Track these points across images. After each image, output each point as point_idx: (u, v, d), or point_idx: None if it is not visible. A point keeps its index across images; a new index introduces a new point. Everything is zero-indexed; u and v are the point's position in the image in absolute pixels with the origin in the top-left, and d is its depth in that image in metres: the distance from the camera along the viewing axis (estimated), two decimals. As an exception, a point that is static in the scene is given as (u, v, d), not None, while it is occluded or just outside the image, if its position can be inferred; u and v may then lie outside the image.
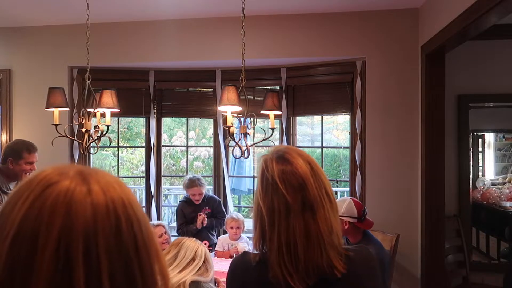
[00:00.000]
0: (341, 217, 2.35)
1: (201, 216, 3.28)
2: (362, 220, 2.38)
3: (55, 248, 0.47)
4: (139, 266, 0.52)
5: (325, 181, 1.02)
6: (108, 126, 2.57)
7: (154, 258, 0.55)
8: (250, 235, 4.21)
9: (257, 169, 1.09)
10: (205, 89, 3.92)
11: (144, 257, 0.53)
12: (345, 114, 3.68)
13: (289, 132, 3.69)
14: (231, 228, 3.22)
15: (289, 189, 0.98)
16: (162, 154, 4.03)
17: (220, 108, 2.38)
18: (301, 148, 4.36)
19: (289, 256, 0.96)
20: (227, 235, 3.29)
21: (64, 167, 0.55)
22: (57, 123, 2.54)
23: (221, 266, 2.74)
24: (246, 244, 3.16)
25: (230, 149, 3.52)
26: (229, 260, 2.93)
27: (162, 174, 3.96)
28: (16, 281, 0.47)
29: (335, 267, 0.97)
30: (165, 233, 3.03)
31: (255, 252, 1.07)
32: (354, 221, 2.35)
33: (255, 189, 4.36)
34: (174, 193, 7.24)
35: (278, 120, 3.65)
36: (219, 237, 3.38)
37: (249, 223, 4.61)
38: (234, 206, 5.21)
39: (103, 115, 2.61)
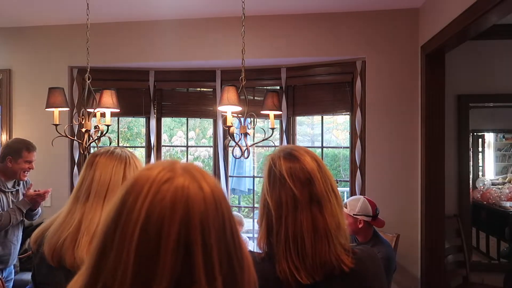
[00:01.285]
0: (355, 216, 2.35)
1: None
2: (375, 218, 2.39)
3: (177, 237, 0.54)
4: (237, 259, 0.60)
5: (331, 178, 1.03)
6: (108, 126, 2.57)
7: (245, 252, 0.62)
8: (249, 235, 4.21)
9: (261, 167, 1.10)
10: (205, 89, 3.92)
11: (238, 248, 0.61)
12: (345, 114, 3.68)
13: (289, 132, 3.69)
14: None
15: (296, 184, 0.98)
16: (162, 154, 4.02)
17: (220, 108, 2.38)
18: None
19: (296, 250, 0.96)
20: None
21: (170, 165, 0.61)
22: (57, 123, 2.54)
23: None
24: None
25: (230, 149, 3.52)
26: None
27: (162, 174, 3.95)
28: (144, 270, 0.54)
29: (343, 261, 0.97)
30: None
31: (259, 251, 1.07)
32: (369, 220, 2.36)
33: (255, 189, 4.36)
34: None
35: (278, 120, 3.65)
36: None
37: (248, 223, 4.61)
38: (234, 206, 5.19)
39: (103, 115, 2.61)
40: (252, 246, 3.55)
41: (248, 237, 4.03)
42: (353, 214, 2.36)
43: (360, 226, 2.35)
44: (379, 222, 2.41)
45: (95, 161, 1.32)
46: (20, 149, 2.63)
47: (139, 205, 0.56)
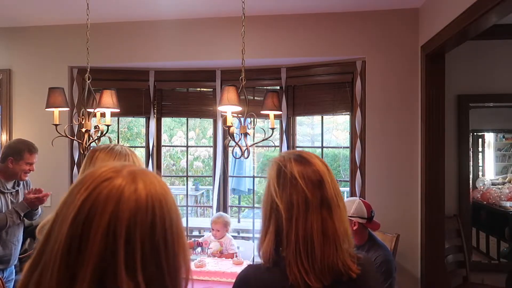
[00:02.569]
0: (350, 218, 2.32)
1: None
2: (371, 220, 2.36)
3: (106, 230, 0.60)
4: (166, 258, 0.64)
5: (337, 184, 1.05)
6: (108, 126, 2.57)
7: (181, 253, 0.67)
8: (249, 235, 4.21)
9: (261, 168, 1.09)
10: (205, 89, 3.92)
11: (171, 251, 0.65)
12: (345, 114, 3.68)
13: (289, 132, 3.69)
14: (212, 229, 3.24)
15: (308, 185, 0.99)
16: (162, 154, 4.02)
17: (220, 108, 2.38)
18: (301, 148, 4.31)
19: (306, 252, 0.95)
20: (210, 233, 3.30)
21: (119, 167, 0.68)
22: (57, 123, 2.54)
23: (222, 266, 2.72)
24: (218, 244, 3.13)
25: (230, 149, 3.51)
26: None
27: (162, 174, 3.95)
28: (73, 253, 0.60)
29: (350, 267, 0.97)
30: None
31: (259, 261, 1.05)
32: (364, 222, 2.33)
33: (255, 189, 4.35)
34: (174, 193, 7.19)
35: (278, 120, 3.65)
36: (206, 235, 3.39)
37: (248, 223, 4.60)
38: (234, 206, 5.19)
39: (103, 115, 2.61)
40: (251, 246, 3.54)
41: (248, 237, 4.03)
42: (348, 216, 2.33)
43: (354, 228, 2.32)
44: (375, 225, 2.38)
45: (94, 156, 1.36)
46: (22, 150, 2.62)
47: (78, 197, 0.63)
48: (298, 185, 0.98)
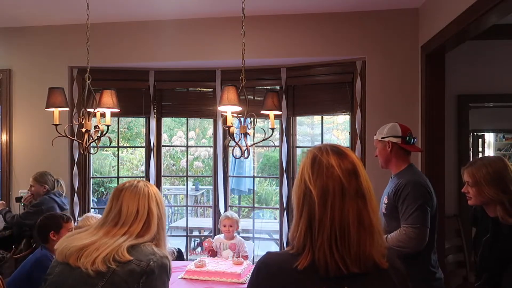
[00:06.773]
0: (383, 139, 2.16)
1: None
2: (407, 141, 2.11)
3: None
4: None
5: (368, 179, 1.06)
6: (108, 126, 2.57)
7: None
8: (249, 235, 4.21)
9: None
10: (205, 89, 3.92)
11: None
12: (345, 114, 3.68)
13: (289, 132, 3.69)
14: (224, 226, 3.16)
15: (345, 173, 0.99)
16: (162, 154, 4.02)
17: (220, 108, 2.37)
18: (301, 148, 4.25)
19: (342, 238, 0.96)
20: (222, 234, 3.23)
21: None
22: (57, 123, 2.53)
23: (222, 266, 2.71)
24: (230, 252, 3.04)
25: (230, 149, 3.51)
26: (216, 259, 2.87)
27: (162, 174, 3.96)
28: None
29: (381, 260, 0.99)
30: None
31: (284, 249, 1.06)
32: (398, 142, 2.11)
33: (255, 189, 4.32)
34: (174, 193, 7.24)
35: (278, 120, 3.65)
36: (215, 237, 3.35)
37: (248, 223, 4.60)
38: (234, 206, 5.19)
39: (103, 115, 2.61)
40: (251, 247, 3.54)
41: (248, 237, 4.03)
42: (381, 138, 2.16)
43: (388, 149, 2.12)
44: (413, 147, 2.12)
45: (121, 195, 1.49)
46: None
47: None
48: (335, 172, 0.99)
